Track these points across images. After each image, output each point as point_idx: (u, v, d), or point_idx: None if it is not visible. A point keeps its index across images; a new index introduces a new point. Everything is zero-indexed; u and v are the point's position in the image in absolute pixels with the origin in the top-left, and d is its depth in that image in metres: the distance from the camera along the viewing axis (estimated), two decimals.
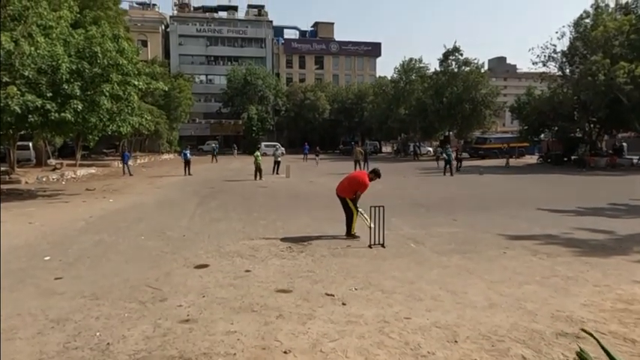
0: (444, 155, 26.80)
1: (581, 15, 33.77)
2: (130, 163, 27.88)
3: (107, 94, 14.60)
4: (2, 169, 21.80)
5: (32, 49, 13.15)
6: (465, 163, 31.88)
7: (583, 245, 8.16)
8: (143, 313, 4.78)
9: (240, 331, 4.32)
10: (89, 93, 14.68)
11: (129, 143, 44.96)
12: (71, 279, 6.07)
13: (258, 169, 22.43)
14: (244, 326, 4.44)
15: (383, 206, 8.04)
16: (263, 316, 4.69)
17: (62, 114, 13.81)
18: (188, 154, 26.29)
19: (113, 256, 7.31)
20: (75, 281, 5.96)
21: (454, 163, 26.52)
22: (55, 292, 5.50)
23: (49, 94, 13.85)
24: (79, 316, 4.70)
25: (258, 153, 23.30)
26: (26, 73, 13.31)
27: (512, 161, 34.39)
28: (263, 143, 56.02)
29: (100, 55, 14.58)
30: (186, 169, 25.61)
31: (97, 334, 4.29)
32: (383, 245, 7.87)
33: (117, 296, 5.32)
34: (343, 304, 5.07)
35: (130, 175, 25.43)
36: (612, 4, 37.34)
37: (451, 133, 51.99)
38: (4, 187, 17.77)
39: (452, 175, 24.83)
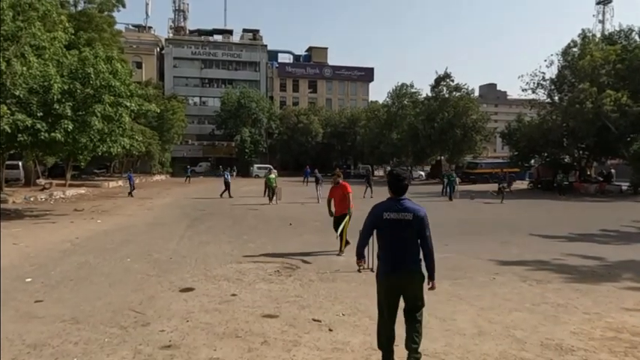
0: (445, 179, 26.36)
1: (569, 44, 34.54)
2: (122, 183, 27.61)
3: (99, 114, 14.56)
4: None
5: (24, 68, 13.15)
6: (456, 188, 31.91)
7: (573, 272, 8.13)
8: (124, 339, 4.65)
9: (223, 358, 4.21)
10: (80, 113, 14.63)
11: (120, 164, 44.79)
12: (52, 302, 5.91)
13: (273, 192, 21.36)
14: (227, 353, 4.32)
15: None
16: (247, 342, 4.58)
17: (52, 134, 13.75)
18: (228, 176, 25.99)
19: (97, 279, 7.15)
20: (56, 304, 5.80)
21: (456, 187, 25.84)
22: (34, 316, 5.34)
23: (40, 114, 13.80)
24: (57, 341, 4.56)
25: (272, 175, 22.08)
26: (17, 93, 13.27)
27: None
28: (256, 165, 56.09)
29: (92, 76, 14.60)
30: (227, 190, 24.72)
31: (75, 359, 4.15)
32: (372, 270, 7.77)
33: (98, 320, 5.18)
34: (330, 330, 4.97)
35: (131, 195, 25.19)
36: (599, 34, 38.36)
37: (442, 157, 52.32)
38: None
39: (451, 199, 24.57)
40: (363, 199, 23.15)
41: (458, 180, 27.19)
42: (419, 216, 3.84)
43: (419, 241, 3.89)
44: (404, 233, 3.84)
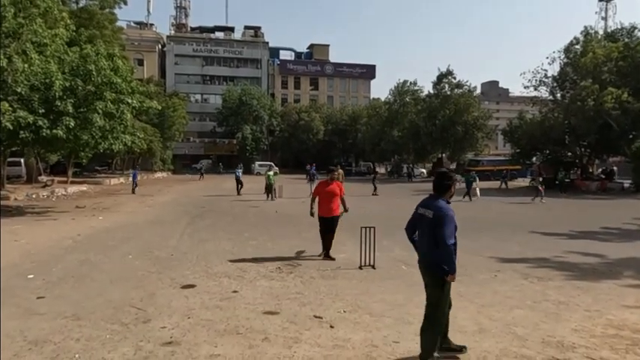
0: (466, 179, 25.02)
1: (572, 41, 34.45)
2: (123, 180, 27.63)
3: (100, 111, 14.56)
4: None
5: (26, 65, 13.14)
6: (457, 185, 31.68)
7: (574, 269, 8.13)
8: (125, 335, 4.66)
9: (224, 355, 4.21)
10: (82, 110, 14.64)
11: (121, 161, 44.80)
12: (53, 299, 5.92)
13: (272, 189, 22.21)
14: (228, 349, 4.33)
15: (374, 227, 7.98)
16: (248, 339, 4.58)
17: (54, 131, 13.76)
18: (240, 173, 26.07)
19: (98, 276, 7.17)
20: (57, 301, 5.81)
21: (474, 187, 24.63)
22: (35, 313, 5.35)
23: (42, 111, 13.80)
24: (58, 338, 4.57)
25: (271, 172, 23.00)
26: (19, 90, 13.28)
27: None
28: (257, 163, 56.06)
29: (94, 73, 14.60)
30: (239, 187, 24.98)
31: (76, 356, 4.16)
32: (373, 267, 7.79)
33: (99, 317, 5.19)
34: (331, 327, 4.98)
35: (133, 192, 25.26)
36: (601, 32, 38.24)
37: (444, 155, 52.29)
38: None
39: (470, 199, 23.29)
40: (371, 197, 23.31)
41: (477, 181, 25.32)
42: (437, 215, 3.96)
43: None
44: (426, 228, 4.07)
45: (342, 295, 6.19)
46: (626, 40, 33.07)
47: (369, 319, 5.26)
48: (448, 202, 4.10)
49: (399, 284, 6.87)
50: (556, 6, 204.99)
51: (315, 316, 5.30)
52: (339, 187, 8.96)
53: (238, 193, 24.51)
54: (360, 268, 7.77)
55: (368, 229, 7.83)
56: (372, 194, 25.47)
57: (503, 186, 32.36)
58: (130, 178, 27.47)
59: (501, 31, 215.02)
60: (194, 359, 4.11)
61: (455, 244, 4.00)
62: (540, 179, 25.21)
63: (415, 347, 4.43)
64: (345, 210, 8.98)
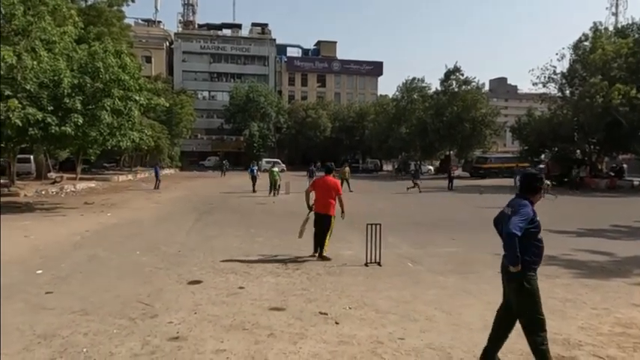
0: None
1: (580, 38, 34.06)
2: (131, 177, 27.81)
3: (108, 108, 14.63)
4: (2, 181, 21.76)
5: (35, 63, 13.24)
6: (465, 183, 31.73)
7: (582, 267, 8.07)
8: (132, 330, 4.70)
9: (230, 350, 4.23)
10: (90, 107, 14.73)
11: (129, 158, 45.05)
12: (62, 294, 5.98)
13: (275, 185, 22.55)
14: (234, 345, 4.35)
15: (380, 224, 7.95)
16: (254, 335, 4.60)
17: (62, 127, 13.86)
18: (255, 170, 26.14)
19: (106, 272, 7.23)
20: (65, 296, 5.87)
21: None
22: (44, 307, 5.41)
23: (50, 108, 13.91)
24: (66, 332, 4.62)
25: (275, 169, 23.31)
26: (28, 87, 13.38)
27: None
28: (264, 160, 56.15)
29: (102, 70, 14.67)
30: (253, 185, 25.02)
31: (84, 350, 4.20)
32: (379, 264, 7.78)
33: (107, 312, 5.24)
34: (336, 323, 4.99)
35: (157, 188, 25.54)
36: (611, 28, 37.77)
37: (451, 152, 52.01)
38: (3, 199, 17.70)
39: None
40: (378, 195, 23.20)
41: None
42: (513, 210, 3.81)
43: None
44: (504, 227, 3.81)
45: (348, 292, 6.20)
46: (637, 35, 32.64)
47: (375, 315, 5.26)
48: (532, 203, 3.93)
49: (405, 281, 6.87)
50: (556, 5, 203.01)
51: (321, 313, 5.32)
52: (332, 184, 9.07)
53: (254, 190, 24.41)
54: (366, 265, 7.76)
55: (374, 225, 7.82)
56: (408, 188, 25.71)
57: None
58: (153, 174, 27.82)
59: (501, 31, 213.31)
60: (200, 354, 4.14)
61: (539, 244, 3.83)
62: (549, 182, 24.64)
63: (420, 344, 4.43)
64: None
